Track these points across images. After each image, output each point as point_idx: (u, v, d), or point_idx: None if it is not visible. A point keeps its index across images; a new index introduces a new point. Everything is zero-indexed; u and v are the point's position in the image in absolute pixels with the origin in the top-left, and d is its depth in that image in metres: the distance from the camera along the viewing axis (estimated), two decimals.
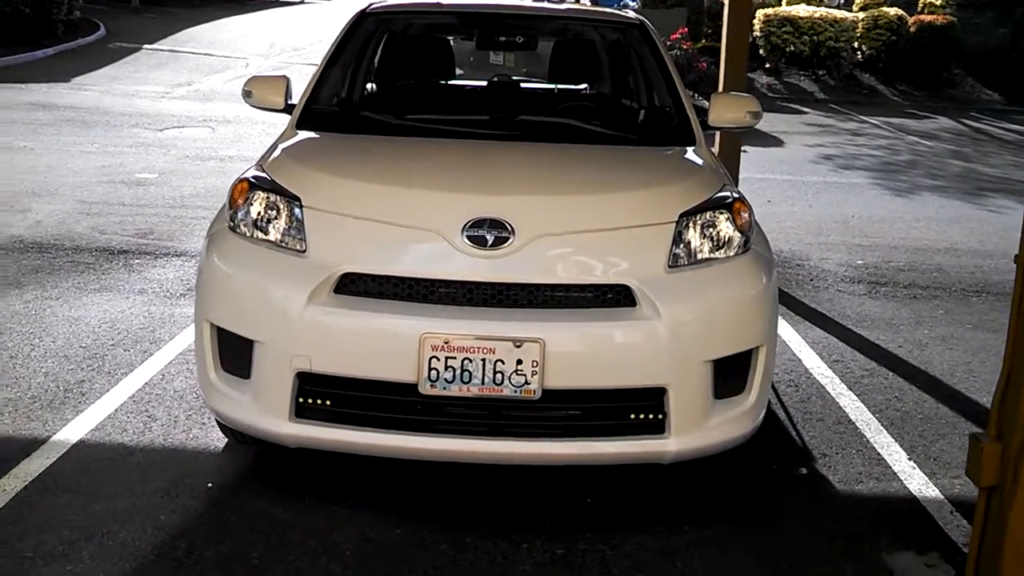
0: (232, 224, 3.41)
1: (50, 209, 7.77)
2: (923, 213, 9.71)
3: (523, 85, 6.41)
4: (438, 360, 2.99)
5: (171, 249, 6.72)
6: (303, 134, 4.00)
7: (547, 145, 3.91)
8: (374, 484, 3.57)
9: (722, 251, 3.33)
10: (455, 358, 2.99)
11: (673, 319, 3.08)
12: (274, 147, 3.86)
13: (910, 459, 3.91)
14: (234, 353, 3.23)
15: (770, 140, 14.73)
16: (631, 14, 5.15)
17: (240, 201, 3.43)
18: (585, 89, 5.57)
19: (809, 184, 11.13)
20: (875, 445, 4.01)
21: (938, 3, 23.54)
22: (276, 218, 3.32)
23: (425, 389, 3.01)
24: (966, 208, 10.22)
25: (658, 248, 3.21)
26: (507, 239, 3.13)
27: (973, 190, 11.56)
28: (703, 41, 20.53)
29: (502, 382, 3.00)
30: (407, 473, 3.58)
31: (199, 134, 12.38)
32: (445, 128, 4.03)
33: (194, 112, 14.24)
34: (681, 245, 3.26)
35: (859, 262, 7.34)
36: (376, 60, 5.44)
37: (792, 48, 21.78)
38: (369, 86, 5.26)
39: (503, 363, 2.99)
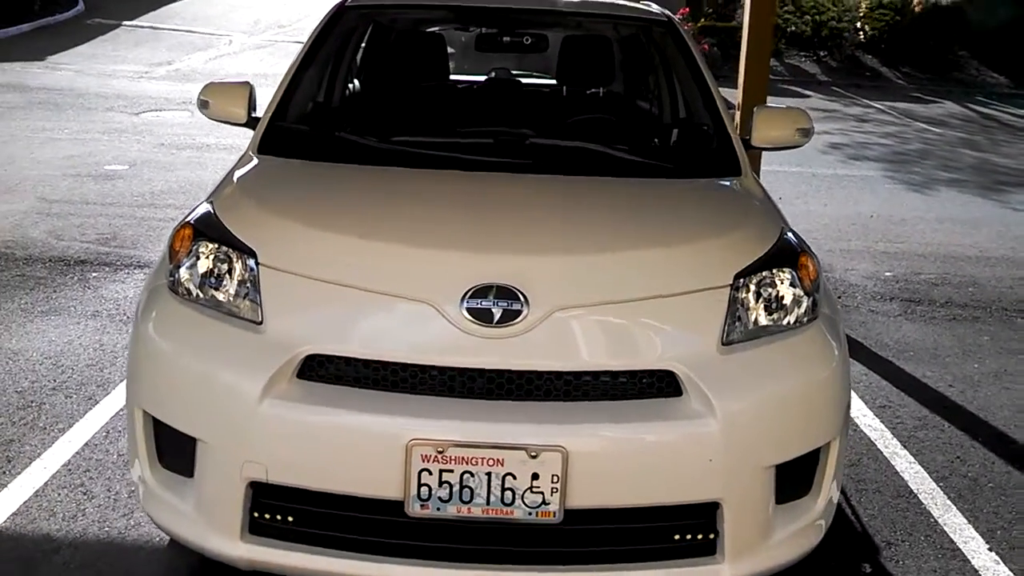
0: (172, 281, 2.74)
1: (5, 209, 7.10)
2: (945, 212, 9.14)
3: (525, 82, 5.76)
4: (430, 474, 2.33)
5: (133, 260, 6.07)
6: (265, 162, 3.30)
7: (565, 180, 3.20)
8: None
9: (787, 319, 2.68)
10: (452, 471, 2.33)
11: (729, 415, 2.43)
12: (229, 177, 3.19)
13: (990, 549, 3.31)
14: (174, 446, 2.58)
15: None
16: (654, 7, 4.42)
17: (182, 253, 2.75)
18: (598, 92, 4.87)
19: (820, 178, 10.54)
20: (946, 528, 3.41)
21: None
22: (225, 278, 2.65)
23: (414, 510, 2.36)
24: (988, 206, 9.65)
25: (709, 321, 2.56)
26: (519, 313, 2.46)
27: (992, 184, 11.00)
28: (702, 21, 19.86)
29: (513, 501, 2.35)
30: None
31: (177, 118, 11.72)
32: (439, 155, 3.34)
33: (173, 94, 13.55)
34: (737, 315, 2.61)
35: (888, 274, 6.74)
36: (358, 60, 4.78)
37: (793, 28, 21.14)
38: (350, 91, 4.59)
39: (514, 478, 2.34)
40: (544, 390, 2.47)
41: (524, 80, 5.85)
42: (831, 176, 10.89)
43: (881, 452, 3.95)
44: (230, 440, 2.44)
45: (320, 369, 2.49)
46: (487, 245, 2.69)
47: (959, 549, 3.28)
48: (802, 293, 2.72)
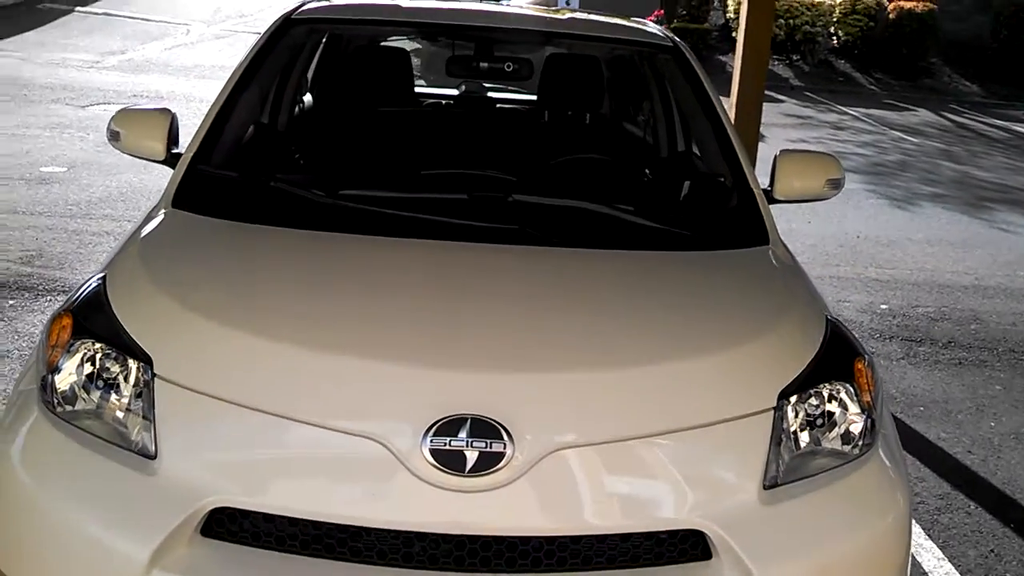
0: (43, 387, 2.10)
1: None
2: (933, 233, 8.74)
3: (501, 98, 5.19)
4: None
5: (58, 283, 5.45)
6: (178, 222, 2.64)
7: (557, 254, 2.54)
8: None
9: (842, 448, 2.12)
10: None
11: None
12: (132, 240, 2.55)
13: None
14: None
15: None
16: (655, 29, 3.77)
17: (58, 351, 2.12)
18: (584, 117, 4.30)
19: None
20: None
21: None
22: (112, 392, 2.02)
23: None
24: (975, 226, 9.29)
25: (748, 459, 1.99)
26: (501, 456, 1.85)
27: (975, 200, 10.66)
28: (675, 22, 19.41)
29: None
30: None
31: None
32: (400, 216, 2.65)
33: (124, 86, 12.89)
34: (781, 448, 2.02)
35: (883, 307, 6.30)
36: (308, 80, 4.16)
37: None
38: (295, 119, 3.92)
39: None
40: (532, 559, 1.89)
41: (499, 96, 5.30)
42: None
43: None
44: None
45: (231, 525, 1.90)
46: (457, 359, 2.02)
47: None
48: (860, 411, 2.16)
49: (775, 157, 3.05)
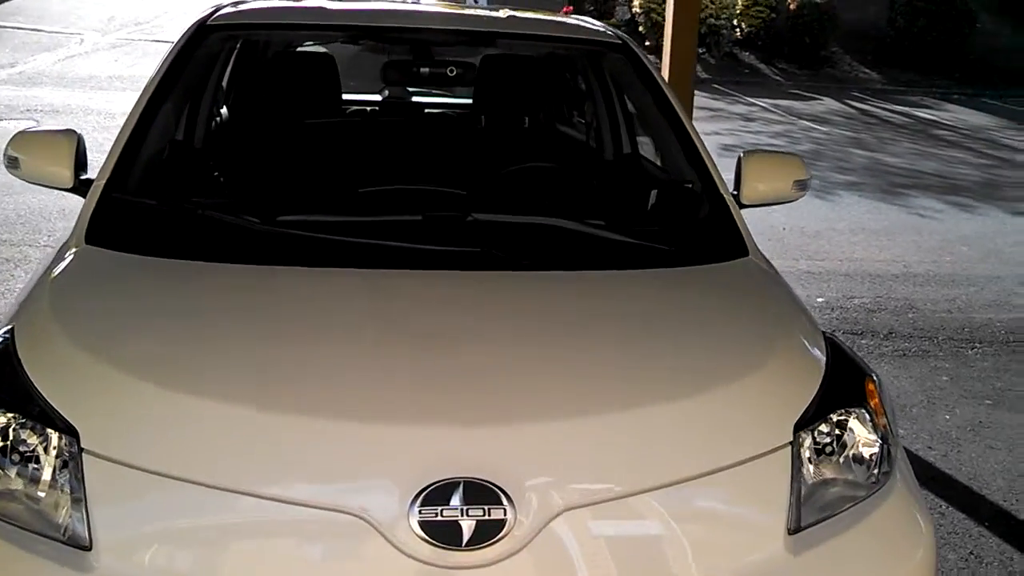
0: None
1: None
2: (855, 222, 8.79)
3: (428, 103, 4.94)
4: None
5: None
6: (94, 261, 2.30)
7: (530, 279, 2.29)
8: None
9: (861, 479, 1.94)
10: None
11: None
12: (41, 284, 2.22)
13: None
14: None
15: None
16: (599, 26, 3.55)
17: None
18: (523, 121, 4.08)
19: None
20: None
21: None
22: (30, 469, 1.71)
23: None
24: (894, 213, 9.38)
25: (769, 502, 1.79)
26: (502, 524, 1.61)
27: (889, 187, 10.79)
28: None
29: None
30: None
31: (22, 128, 10.53)
32: (348, 242, 2.33)
33: (16, 100, 12.27)
34: (801, 486, 1.82)
35: (820, 300, 6.25)
36: (223, 89, 3.83)
37: None
38: (215, 136, 3.59)
39: None
40: None
41: (424, 100, 5.05)
42: (730, 181, 10.48)
43: None
44: None
45: None
46: (441, 413, 1.74)
47: None
48: (876, 437, 1.99)
49: (739, 159, 2.90)
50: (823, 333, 2.23)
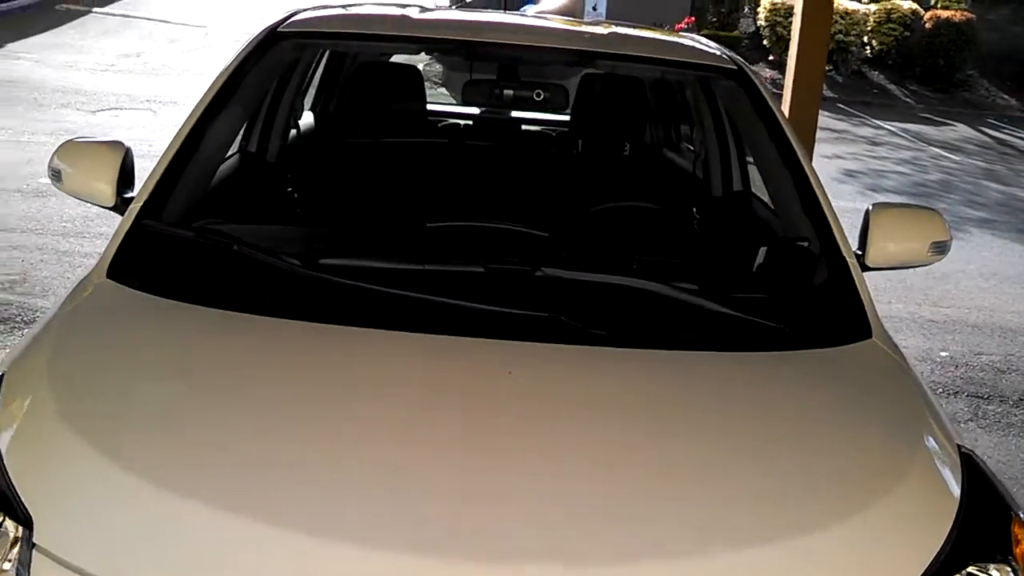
0: None
1: None
2: (985, 265, 8.19)
3: (524, 120, 4.64)
4: None
5: (40, 314, 5.00)
6: (110, 302, 2.05)
7: (605, 361, 1.92)
8: None
9: None
10: None
11: None
12: (49, 326, 1.98)
13: None
14: None
15: None
16: (713, 48, 3.12)
17: None
18: (624, 149, 3.76)
19: (842, 213, 9.37)
20: None
21: None
22: None
23: None
24: None
25: None
26: None
27: None
28: (705, 30, 18.87)
29: None
30: None
31: (138, 119, 10.70)
32: (395, 296, 1.99)
33: (138, 90, 12.51)
34: None
35: (943, 354, 5.77)
36: (292, 104, 3.55)
37: None
38: (277, 159, 3.29)
39: None
40: None
41: (524, 115, 4.76)
42: (852, 211, 9.84)
43: None
44: None
45: None
46: (506, 551, 1.42)
47: None
48: None
49: (867, 213, 2.51)
50: (961, 450, 1.85)
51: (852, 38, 20.40)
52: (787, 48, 20.23)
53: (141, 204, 2.27)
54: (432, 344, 1.90)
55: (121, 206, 2.34)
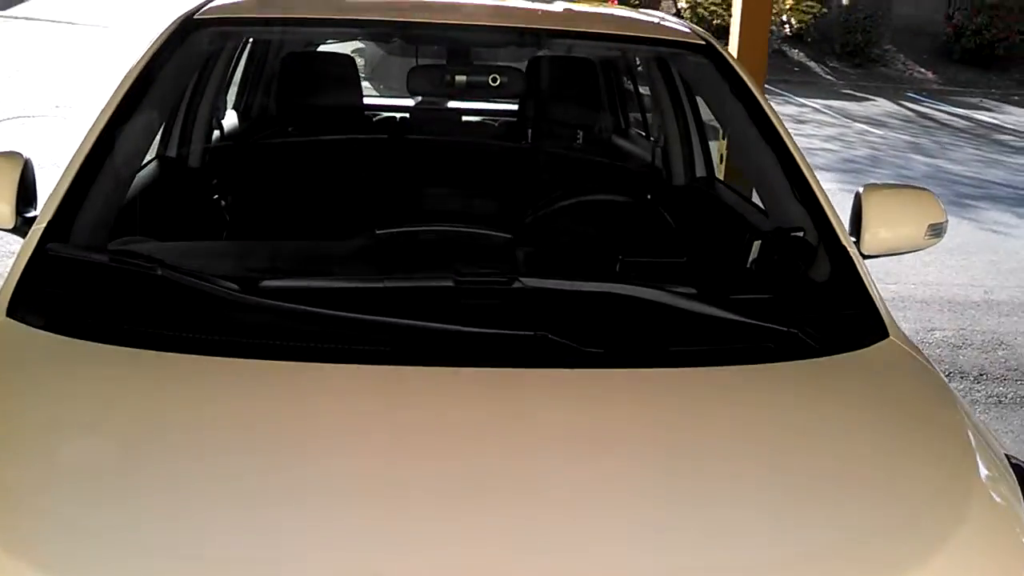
0: None
1: None
2: None
3: (463, 110, 4.36)
4: None
5: None
6: (12, 343, 1.73)
7: (606, 385, 1.66)
8: None
9: None
10: None
11: None
12: None
13: None
14: None
15: (710, 131, 13.08)
16: (676, 23, 2.89)
17: None
18: (578, 138, 3.50)
19: None
20: None
21: None
22: None
23: None
24: (965, 228, 8.71)
25: None
26: None
27: (956, 198, 10.12)
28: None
29: None
30: None
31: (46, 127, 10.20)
32: (353, 320, 1.71)
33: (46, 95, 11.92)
34: None
35: None
36: (214, 102, 3.25)
37: (719, 22, 20.17)
38: (210, 146, 3.06)
39: None
40: None
41: (463, 105, 4.48)
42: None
43: None
44: None
45: None
46: None
47: None
48: None
49: (858, 195, 2.27)
50: (1012, 462, 1.63)
51: (772, 17, 20.53)
52: (710, 28, 20.21)
53: (45, 225, 1.94)
54: (407, 377, 1.63)
55: (23, 227, 2.00)
